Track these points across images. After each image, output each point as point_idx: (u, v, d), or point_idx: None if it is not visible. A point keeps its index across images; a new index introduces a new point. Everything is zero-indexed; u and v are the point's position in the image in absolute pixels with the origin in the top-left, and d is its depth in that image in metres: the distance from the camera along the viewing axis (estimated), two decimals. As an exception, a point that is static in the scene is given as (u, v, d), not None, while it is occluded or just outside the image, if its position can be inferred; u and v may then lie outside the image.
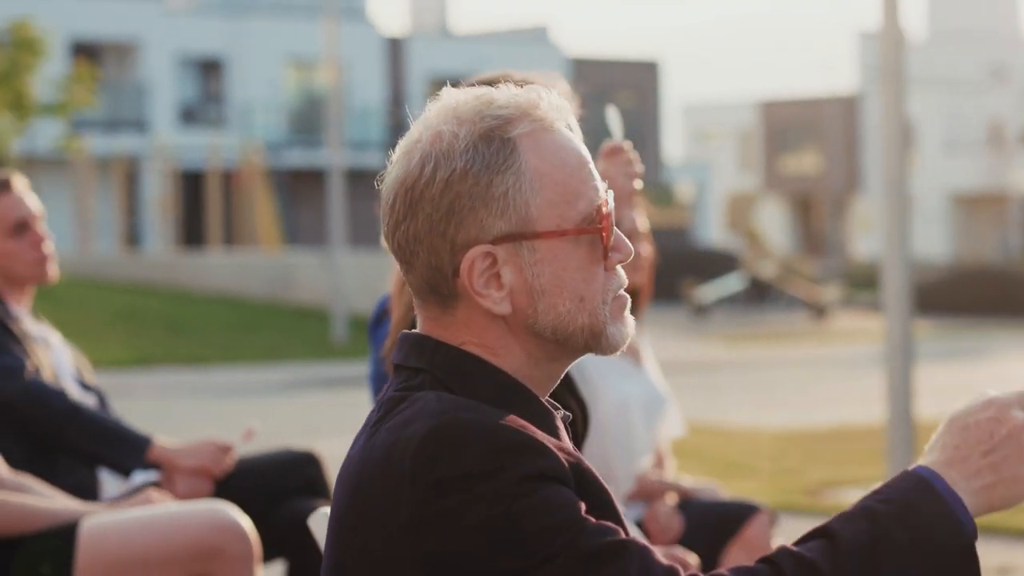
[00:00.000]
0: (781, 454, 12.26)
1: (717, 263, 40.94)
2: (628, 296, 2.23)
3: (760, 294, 38.26)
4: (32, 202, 5.17)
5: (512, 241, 2.14)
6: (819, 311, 35.60)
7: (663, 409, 5.46)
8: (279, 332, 24.57)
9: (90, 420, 4.90)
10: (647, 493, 5.32)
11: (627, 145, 3.74)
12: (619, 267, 2.21)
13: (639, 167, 3.74)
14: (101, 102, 45.99)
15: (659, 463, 5.51)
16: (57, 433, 4.94)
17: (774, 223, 66.29)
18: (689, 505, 5.33)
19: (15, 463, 4.92)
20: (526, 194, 2.13)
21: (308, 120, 48.40)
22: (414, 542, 2.02)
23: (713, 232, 59.42)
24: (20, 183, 5.19)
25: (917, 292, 19.46)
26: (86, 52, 46.94)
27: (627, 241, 2.20)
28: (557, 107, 2.21)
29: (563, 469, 2.06)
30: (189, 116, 47.93)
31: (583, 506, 2.05)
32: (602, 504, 2.11)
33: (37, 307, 5.26)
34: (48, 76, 28.55)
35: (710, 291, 36.97)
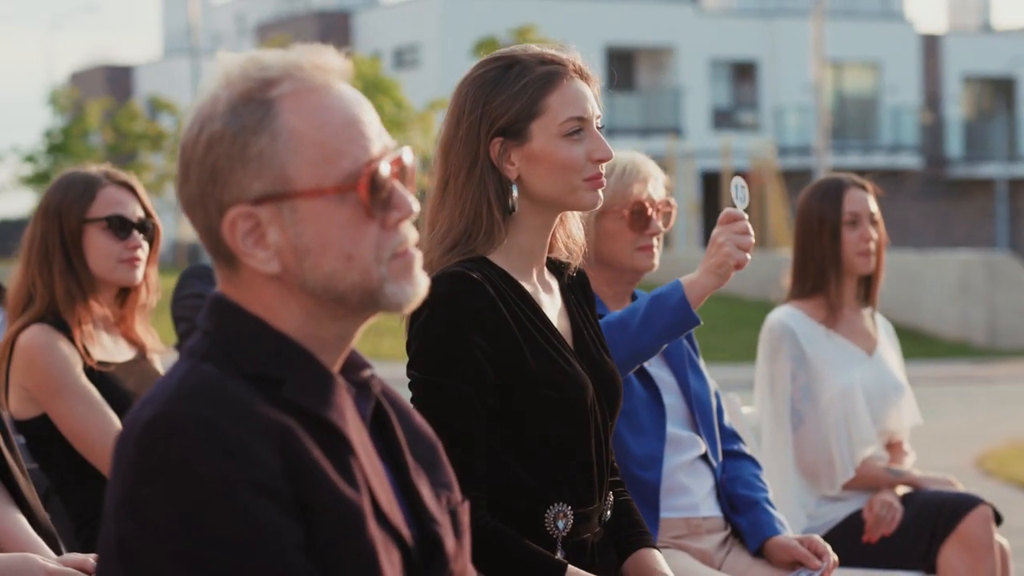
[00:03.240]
0: None
1: None
2: (414, 254, 2.22)
3: None
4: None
5: (273, 201, 2.16)
6: None
7: (896, 398, 5.30)
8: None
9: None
10: (871, 482, 5.18)
11: (745, 216, 3.72)
12: (403, 225, 2.21)
13: (752, 239, 3.70)
14: (635, 107, 46.98)
15: (895, 453, 5.35)
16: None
17: None
18: (912, 497, 5.16)
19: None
20: (282, 154, 2.15)
21: (841, 122, 47.98)
22: (117, 523, 2.08)
23: None
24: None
25: None
26: (620, 57, 48.01)
27: (408, 200, 2.20)
28: (328, 68, 2.23)
29: (271, 481, 2.05)
30: (722, 120, 48.30)
31: (285, 530, 2.05)
32: (338, 511, 2.11)
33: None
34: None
35: None
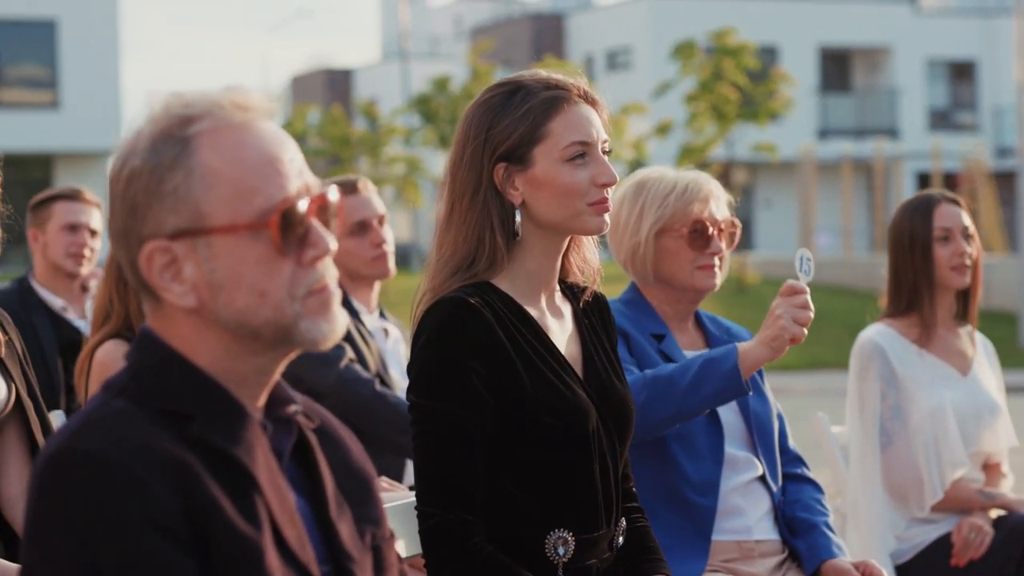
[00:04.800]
0: None
1: None
2: (333, 291, 2.24)
3: None
4: (376, 204, 5.52)
5: (188, 237, 2.19)
6: None
7: (991, 420, 5.18)
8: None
9: (393, 408, 5.19)
10: (963, 504, 5.08)
11: (806, 289, 3.72)
12: (321, 263, 2.23)
13: (811, 314, 3.70)
14: (849, 108, 46.38)
15: (992, 475, 5.23)
16: (361, 419, 5.26)
17: None
18: (1005, 520, 5.04)
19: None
20: (196, 191, 2.18)
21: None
22: (22, 553, 2.14)
23: None
24: (366, 186, 5.55)
25: None
26: (835, 58, 47.44)
27: (326, 238, 2.22)
28: (249, 107, 2.26)
29: (167, 519, 2.08)
30: (938, 121, 47.46)
31: (180, 568, 2.08)
32: (235, 548, 2.13)
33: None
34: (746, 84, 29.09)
35: None
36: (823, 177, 40.44)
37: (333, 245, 2.24)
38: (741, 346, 3.79)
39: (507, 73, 34.24)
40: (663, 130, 28.68)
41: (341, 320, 2.26)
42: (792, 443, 4.38)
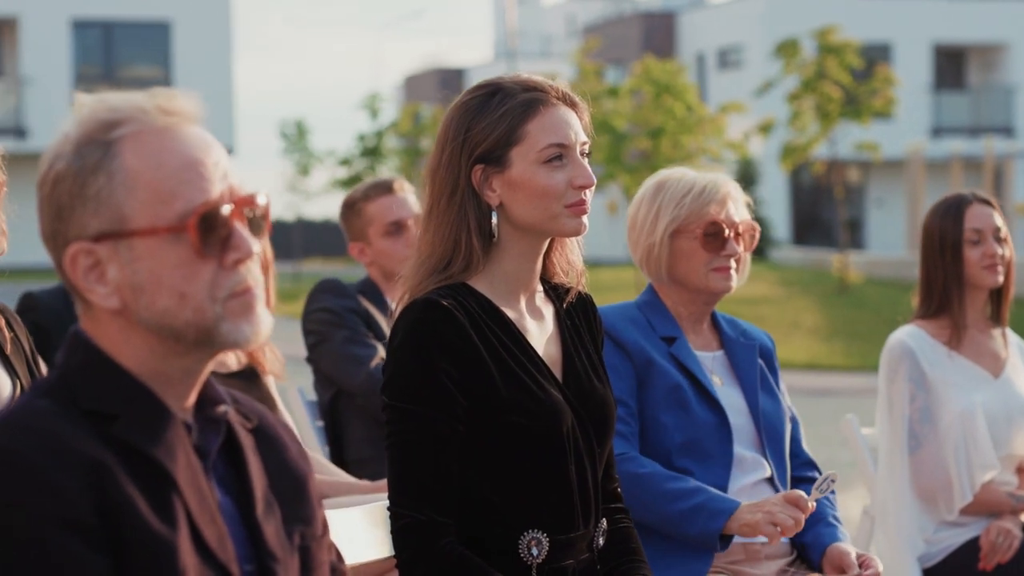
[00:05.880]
0: None
1: None
2: (256, 294, 2.28)
3: None
4: (412, 204, 5.55)
5: (111, 239, 2.24)
6: None
7: (1022, 422, 5.12)
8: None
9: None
10: (993, 508, 5.03)
11: (809, 510, 3.79)
12: (243, 266, 2.27)
13: (796, 530, 3.79)
14: (964, 106, 45.84)
15: (1024, 479, 5.18)
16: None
17: None
18: (1035, 525, 4.99)
19: (360, 447, 5.34)
20: (118, 194, 2.23)
21: None
22: None
23: None
24: (402, 186, 5.58)
25: None
26: (949, 55, 46.91)
27: (248, 242, 2.26)
28: (174, 111, 2.30)
29: (79, 516, 2.12)
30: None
31: (91, 565, 2.11)
32: (148, 547, 2.16)
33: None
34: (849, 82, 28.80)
35: None
36: (935, 176, 39.97)
37: (256, 248, 2.27)
38: (740, 510, 3.87)
39: (617, 71, 34.00)
40: (765, 129, 28.48)
41: (265, 322, 2.29)
42: (806, 448, 4.36)
